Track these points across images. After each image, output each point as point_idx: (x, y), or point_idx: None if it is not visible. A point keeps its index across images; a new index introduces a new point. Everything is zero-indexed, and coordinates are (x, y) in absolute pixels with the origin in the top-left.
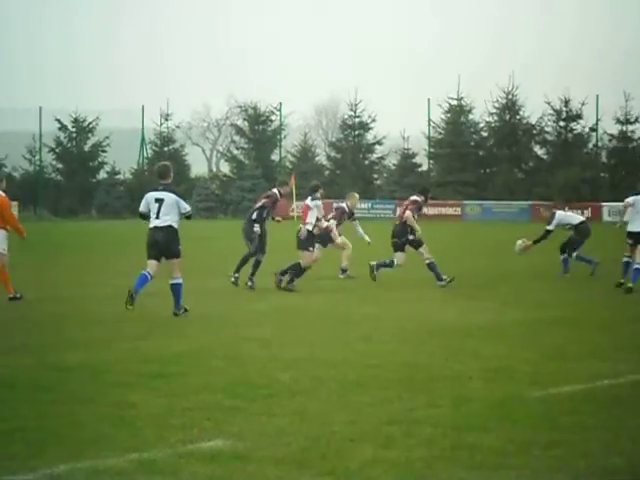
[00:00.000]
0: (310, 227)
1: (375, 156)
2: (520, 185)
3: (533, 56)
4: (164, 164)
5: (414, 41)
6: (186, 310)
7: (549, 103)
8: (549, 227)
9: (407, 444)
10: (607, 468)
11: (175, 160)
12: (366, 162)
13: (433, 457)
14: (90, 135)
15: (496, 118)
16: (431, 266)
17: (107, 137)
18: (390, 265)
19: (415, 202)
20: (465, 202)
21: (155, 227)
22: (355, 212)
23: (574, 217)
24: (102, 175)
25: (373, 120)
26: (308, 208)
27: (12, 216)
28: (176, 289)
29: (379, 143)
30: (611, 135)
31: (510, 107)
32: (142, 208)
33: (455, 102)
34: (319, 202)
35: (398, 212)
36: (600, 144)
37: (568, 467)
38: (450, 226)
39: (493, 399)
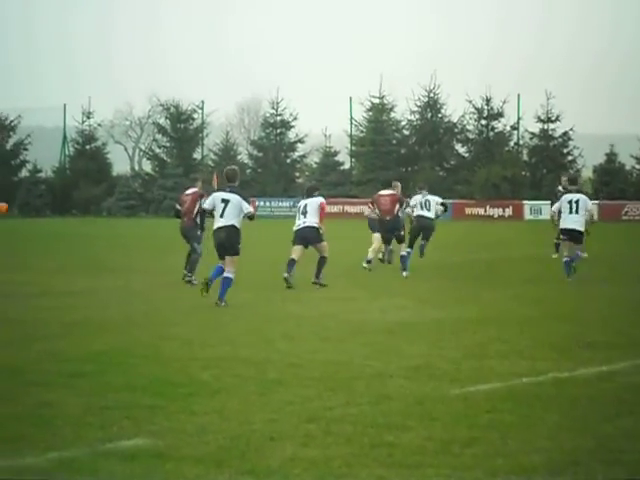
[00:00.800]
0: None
1: (297, 154)
2: (442, 183)
3: (455, 55)
4: (232, 168)
5: (336, 39)
6: (226, 304)
7: (471, 102)
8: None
9: (326, 442)
10: (526, 466)
11: (97, 158)
12: (288, 160)
13: (352, 455)
14: (12, 133)
15: (418, 116)
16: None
17: (29, 135)
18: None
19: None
20: None
21: (219, 227)
22: None
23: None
24: (24, 173)
25: (295, 118)
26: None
27: None
28: (226, 283)
29: (301, 141)
30: (532, 133)
31: (432, 105)
32: (207, 205)
33: (377, 100)
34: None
35: (382, 207)
36: (521, 142)
37: (487, 465)
38: None
39: (413, 397)
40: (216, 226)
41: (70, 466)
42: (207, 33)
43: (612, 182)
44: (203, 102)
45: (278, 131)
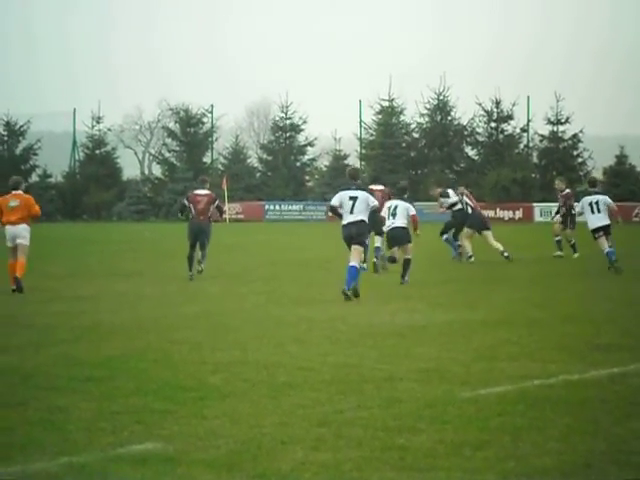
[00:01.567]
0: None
1: (307, 158)
2: (452, 186)
3: (464, 57)
4: (355, 168)
5: (345, 42)
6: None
7: (480, 104)
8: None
9: (337, 446)
10: (537, 468)
11: (107, 163)
12: (298, 164)
13: (363, 458)
14: (21, 138)
15: (427, 119)
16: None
17: (39, 140)
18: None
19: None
20: None
21: (349, 223)
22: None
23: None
24: (34, 178)
25: (304, 122)
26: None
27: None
28: (354, 271)
29: (310, 145)
30: (542, 136)
31: (441, 108)
32: (334, 202)
33: (387, 103)
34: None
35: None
36: (531, 145)
37: (498, 467)
38: None
39: (423, 400)
40: (347, 221)
41: (81, 471)
42: (216, 37)
43: (622, 184)
44: (212, 106)
45: (288, 134)
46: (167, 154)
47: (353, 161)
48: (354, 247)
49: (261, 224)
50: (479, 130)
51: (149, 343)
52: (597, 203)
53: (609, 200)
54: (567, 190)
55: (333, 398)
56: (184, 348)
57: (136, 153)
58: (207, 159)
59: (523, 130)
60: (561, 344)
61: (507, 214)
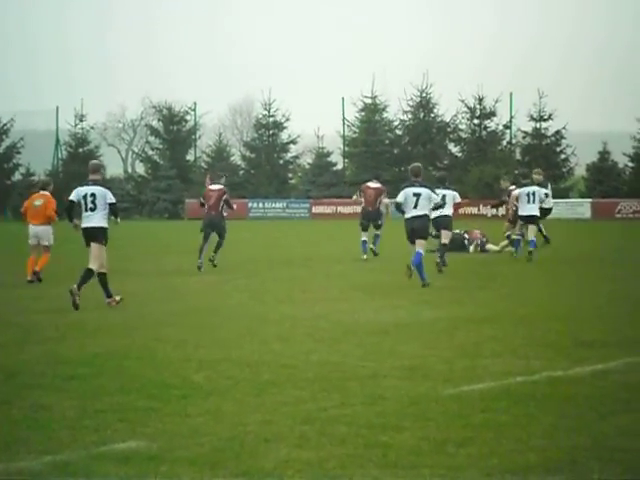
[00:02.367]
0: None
1: (290, 155)
2: (435, 183)
3: (447, 54)
4: (417, 165)
5: (328, 40)
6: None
7: (463, 101)
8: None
9: (321, 443)
10: (521, 465)
11: (90, 161)
12: (281, 161)
13: (347, 456)
14: (4, 137)
15: (410, 116)
16: None
17: (22, 139)
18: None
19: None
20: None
21: (412, 217)
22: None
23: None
24: (17, 177)
25: (287, 119)
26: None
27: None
28: (418, 258)
29: (293, 142)
30: (525, 132)
31: (424, 105)
32: (400, 199)
33: (369, 100)
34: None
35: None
36: (514, 141)
37: (482, 464)
38: None
39: (407, 398)
40: (410, 215)
41: (65, 469)
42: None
43: (605, 180)
44: (195, 104)
45: (271, 132)
46: (150, 152)
47: (336, 158)
48: (418, 241)
49: (244, 222)
50: (462, 127)
51: (133, 341)
52: (533, 194)
53: (542, 191)
54: (512, 187)
55: (317, 396)
56: (168, 346)
57: (119, 151)
58: (190, 157)
59: (506, 127)
60: (545, 341)
61: (490, 211)
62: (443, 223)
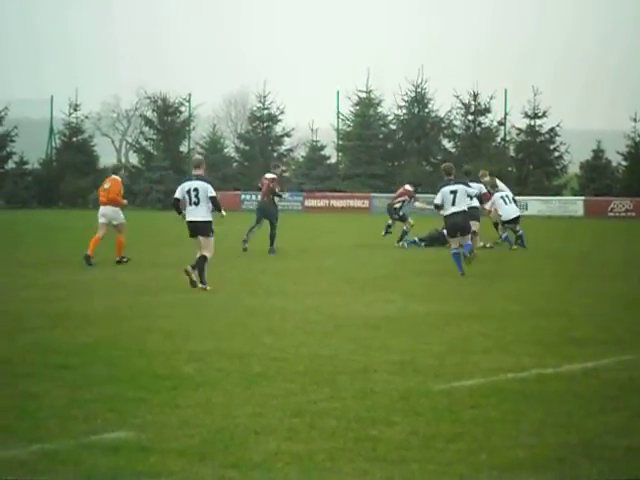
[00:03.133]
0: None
1: (284, 148)
2: (428, 178)
3: (442, 49)
4: (449, 164)
5: (323, 33)
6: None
7: (458, 97)
8: None
9: (310, 436)
10: (509, 461)
11: (84, 151)
12: (275, 154)
13: (336, 449)
14: None
15: (405, 111)
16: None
17: (16, 127)
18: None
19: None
20: (373, 195)
21: (453, 213)
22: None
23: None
24: (10, 165)
25: (282, 112)
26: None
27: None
28: (467, 248)
29: (288, 135)
30: (519, 129)
31: (419, 100)
32: (438, 200)
33: (364, 95)
34: None
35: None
36: (508, 138)
37: (470, 460)
38: (358, 219)
39: (397, 392)
40: (450, 212)
41: (54, 458)
42: (195, 26)
43: (599, 178)
44: (190, 95)
45: (265, 125)
46: (144, 142)
47: (330, 152)
48: (462, 236)
49: (237, 214)
50: (456, 123)
51: (123, 331)
52: (507, 196)
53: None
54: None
55: (307, 389)
56: (158, 337)
57: (113, 141)
58: (184, 148)
59: (500, 123)
60: (535, 337)
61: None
62: (471, 214)
